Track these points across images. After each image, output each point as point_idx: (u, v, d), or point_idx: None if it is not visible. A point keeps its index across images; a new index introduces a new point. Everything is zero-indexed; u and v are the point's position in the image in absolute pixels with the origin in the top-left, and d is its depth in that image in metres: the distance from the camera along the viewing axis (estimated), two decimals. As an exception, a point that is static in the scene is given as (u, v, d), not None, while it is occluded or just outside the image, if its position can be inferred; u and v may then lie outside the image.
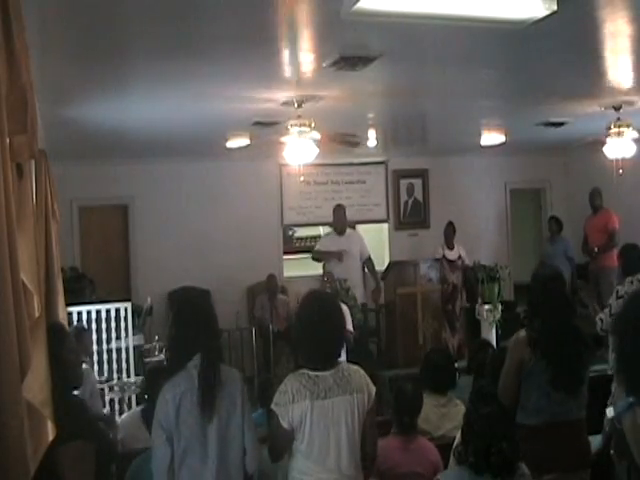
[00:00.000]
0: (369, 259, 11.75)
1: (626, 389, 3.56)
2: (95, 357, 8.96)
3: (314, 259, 11.84)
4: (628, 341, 3.49)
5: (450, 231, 12.82)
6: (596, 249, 12.20)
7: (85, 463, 4.43)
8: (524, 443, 4.07)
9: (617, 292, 7.79)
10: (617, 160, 9.87)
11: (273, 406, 4.08)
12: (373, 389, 4.25)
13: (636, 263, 7.99)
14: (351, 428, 4.08)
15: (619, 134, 9.43)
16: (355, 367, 4.29)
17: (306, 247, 14.88)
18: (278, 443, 4.15)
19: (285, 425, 4.01)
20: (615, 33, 6.09)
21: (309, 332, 4.20)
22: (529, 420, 4.58)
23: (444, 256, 12.52)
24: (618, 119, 9.34)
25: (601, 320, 7.69)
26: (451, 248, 12.69)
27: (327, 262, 11.32)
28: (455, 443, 4.42)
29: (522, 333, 4.76)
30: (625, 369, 3.57)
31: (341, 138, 8.89)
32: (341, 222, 11.76)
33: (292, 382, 4.10)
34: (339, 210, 11.83)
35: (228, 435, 4.00)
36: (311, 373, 4.10)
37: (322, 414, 4.02)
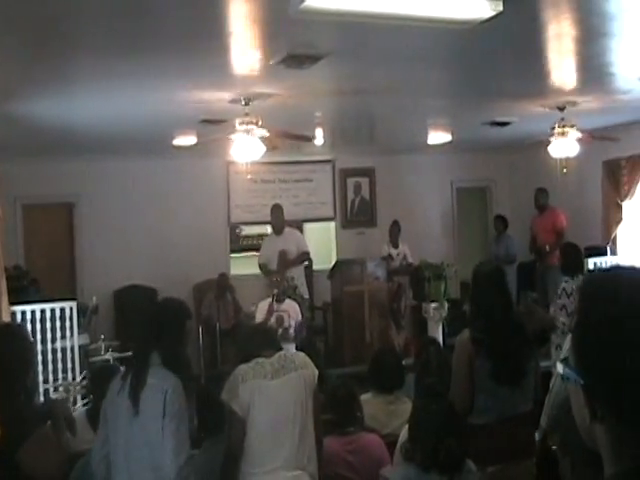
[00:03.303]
0: (304, 253, 11.78)
1: None
2: (40, 357, 8.85)
3: (260, 270, 11.76)
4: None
5: (395, 230, 12.94)
6: (547, 247, 12.31)
7: (51, 447, 4.36)
8: (470, 439, 4.11)
9: (565, 290, 7.90)
10: (561, 159, 10.01)
11: (223, 395, 4.23)
12: (316, 370, 4.44)
13: (575, 262, 8.11)
14: (299, 406, 4.24)
15: (563, 134, 9.57)
16: (297, 352, 4.55)
17: (253, 245, 14.85)
18: (234, 433, 4.18)
19: (237, 409, 4.09)
20: (559, 34, 6.16)
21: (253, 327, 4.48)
22: (478, 420, 4.61)
23: (389, 254, 12.62)
24: (562, 119, 9.47)
25: (564, 324, 7.77)
26: (396, 246, 12.79)
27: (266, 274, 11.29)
28: (400, 440, 4.44)
29: (465, 333, 4.79)
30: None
31: (292, 134, 8.88)
32: (279, 221, 11.82)
33: (241, 368, 4.30)
34: (276, 210, 11.91)
35: (148, 437, 3.92)
36: (259, 359, 4.31)
37: (270, 394, 4.19)
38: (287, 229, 11.85)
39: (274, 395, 4.19)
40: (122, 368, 8.12)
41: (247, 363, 4.33)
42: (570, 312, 7.74)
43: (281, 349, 4.52)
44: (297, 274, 11.43)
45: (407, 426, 4.23)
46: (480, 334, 4.69)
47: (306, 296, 11.45)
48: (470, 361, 4.67)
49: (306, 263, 12.03)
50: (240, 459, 4.18)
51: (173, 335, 4.10)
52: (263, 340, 4.50)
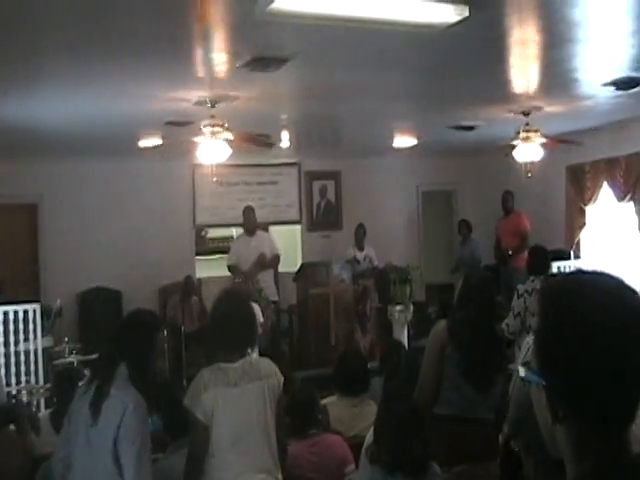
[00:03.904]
0: (276, 257, 11.77)
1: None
2: (2, 360, 8.78)
3: (230, 272, 11.74)
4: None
5: (360, 232, 12.95)
6: (510, 251, 12.39)
7: (13, 449, 4.34)
8: (436, 434, 4.14)
9: (518, 291, 7.94)
10: (526, 164, 10.09)
11: (185, 401, 4.15)
12: (282, 377, 4.36)
13: (542, 264, 8.16)
14: (263, 413, 4.18)
15: (527, 139, 9.65)
16: (263, 358, 4.44)
17: (219, 248, 14.82)
18: (196, 440, 4.14)
19: (200, 416, 4.05)
20: (525, 40, 6.22)
21: (219, 326, 4.35)
22: (440, 410, 4.65)
23: (355, 257, 12.64)
24: (527, 124, 9.55)
25: (507, 325, 7.79)
26: (361, 249, 12.81)
27: (236, 276, 11.29)
28: (366, 443, 4.46)
29: (442, 323, 4.84)
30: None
31: (255, 139, 8.88)
32: (251, 223, 11.80)
33: (203, 374, 4.20)
34: (248, 211, 11.89)
35: (103, 447, 3.80)
36: (222, 365, 4.20)
37: (234, 402, 4.12)
38: (259, 231, 11.88)
39: (237, 402, 4.13)
40: (86, 372, 8.10)
41: (209, 368, 4.24)
42: (516, 313, 7.79)
43: (248, 354, 4.40)
44: (267, 277, 11.44)
45: (373, 429, 4.25)
46: (457, 326, 4.74)
47: (273, 298, 11.44)
48: (442, 348, 4.71)
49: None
50: (204, 464, 4.14)
51: (141, 348, 4.04)
52: (227, 344, 4.33)
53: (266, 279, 11.39)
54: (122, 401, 3.81)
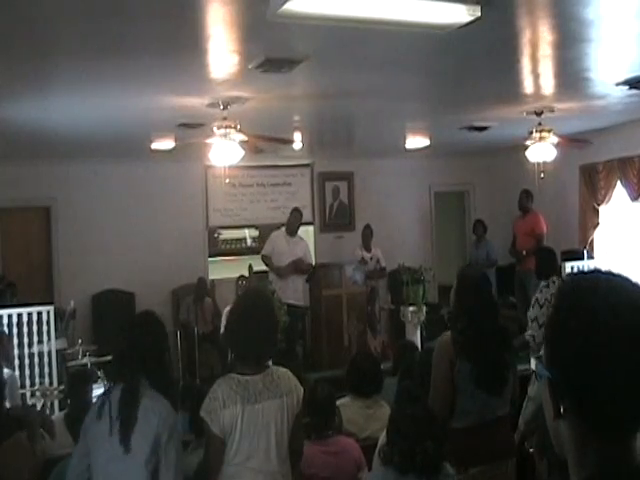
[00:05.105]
0: (309, 264, 12.00)
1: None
2: (16, 362, 8.79)
3: (263, 261, 11.82)
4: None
5: (367, 233, 12.94)
6: (524, 252, 12.33)
7: (24, 454, 4.33)
8: (452, 442, 4.11)
9: (537, 301, 7.84)
10: (539, 164, 10.06)
11: (202, 413, 4.02)
12: (301, 391, 4.25)
13: (549, 266, 8.11)
14: (280, 430, 4.08)
15: (540, 139, 9.62)
16: (283, 370, 4.28)
17: (231, 250, 14.82)
18: (211, 452, 4.08)
19: (216, 431, 3.96)
20: (537, 40, 6.20)
21: (240, 334, 4.17)
22: (458, 423, 4.60)
23: (363, 258, 12.63)
24: (540, 124, 9.53)
25: (533, 337, 7.66)
26: (369, 250, 12.81)
27: (271, 271, 11.42)
28: (379, 444, 4.44)
29: (446, 335, 4.77)
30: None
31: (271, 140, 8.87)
32: (296, 223, 11.98)
33: (222, 387, 4.05)
34: (296, 212, 12.10)
35: (135, 466, 3.79)
36: (241, 378, 4.07)
37: (253, 418, 3.99)
38: (298, 235, 12.06)
39: (256, 420, 4.02)
40: (100, 373, 8.12)
41: (227, 379, 4.10)
42: (541, 324, 7.67)
43: (268, 365, 4.29)
44: (298, 282, 11.69)
45: (386, 430, 4.23)
46: (462, 336, 4.67)
47: (299, 303, 11.50)
48: (451, 363, 4.65)
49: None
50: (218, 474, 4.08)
51: (160, 347, 3.99)
52: (249, 351, 4.15)
53: (297, 283, 11.61)
54: (155, 417, 3.79)
